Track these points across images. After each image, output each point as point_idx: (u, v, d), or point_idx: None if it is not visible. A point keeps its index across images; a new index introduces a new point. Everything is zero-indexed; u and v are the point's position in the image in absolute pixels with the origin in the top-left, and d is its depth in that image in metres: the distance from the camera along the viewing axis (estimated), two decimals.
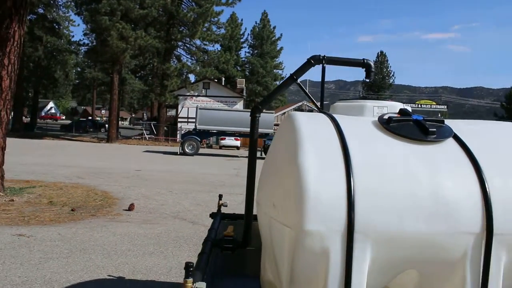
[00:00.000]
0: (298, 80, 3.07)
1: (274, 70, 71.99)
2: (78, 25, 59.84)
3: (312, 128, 2.48)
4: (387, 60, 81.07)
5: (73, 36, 50.16)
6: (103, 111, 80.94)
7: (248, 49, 74.33)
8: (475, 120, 3.18)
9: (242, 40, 73.16)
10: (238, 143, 39.48)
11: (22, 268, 5.41)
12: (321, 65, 3.09)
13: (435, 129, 2.53)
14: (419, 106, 59.98)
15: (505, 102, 64.42)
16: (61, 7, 47.71)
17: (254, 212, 3.04)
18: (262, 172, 2.82)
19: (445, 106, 63.80)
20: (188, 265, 2.12)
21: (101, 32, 37.84)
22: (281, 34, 74.51)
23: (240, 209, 3.56)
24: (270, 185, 2.62)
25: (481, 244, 2.24)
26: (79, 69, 67.07)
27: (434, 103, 62.66)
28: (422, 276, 2.40)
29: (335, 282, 2.26)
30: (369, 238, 2.22)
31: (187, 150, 29.32)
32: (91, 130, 55.72)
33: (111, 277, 5.24)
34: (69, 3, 46.95)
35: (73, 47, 48.63)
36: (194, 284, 2.11)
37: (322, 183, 2.19)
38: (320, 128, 2.52)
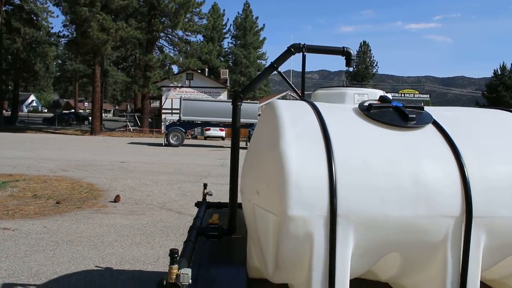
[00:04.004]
0: (279, 69, 3.10)
1: (258, 61, 71.74)
2: (57, 16, 58.93)
3: (293, 115, 2.52)
4: (370, 50, 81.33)
5: (52, 28, 49.17)
6: (86, 103, 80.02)
7: (231, 39, 74.01)
8: (454, 107, 3.26)
9: (224, 30, 72.74)
10: (223, 133, 39.40)
11: (8, 261, 5.40)
12: (301, 53, 3.13)
13: (414, 116, 2.59)
14: (403, 95, 60.41)
15: (486, 91, 65.25)
16: None
17: (239, 200, 3.09)
18: (245, 160, 2.86)
19: (428, 95, 64.31)
20: (173, 252, 2.14)
21: (81, 23, 37.27)
22: (264, 25, 74.19)
23: (226, 198, 3.60)
24: (253, 173, 2.66)
25: (461, 227, 2.32)
26: (59, 61, 66.18)
27: (417, 92, 63.06)
28: (404, 259, 2.48)
29: (320, 266, 2.32)
30: (352, 222, 2.27)
31: (172, 141, 29.20)
32: (74, 123, 55.06)
33: (99, 268, 5.26)
34: None
35: (52, 38, 47.86)
36: (180, 270, 2.13)
37: (303, 169, 2.24)
38: (301, 115, 2.56)
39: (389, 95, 3.04)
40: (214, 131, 38.96)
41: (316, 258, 2.31)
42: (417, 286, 2.54)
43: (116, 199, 9.50)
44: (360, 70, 78.45)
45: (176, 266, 2.13)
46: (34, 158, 17.39)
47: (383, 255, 2.46)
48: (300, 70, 3.30)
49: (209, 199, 4.48)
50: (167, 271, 2.14)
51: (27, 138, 30.45)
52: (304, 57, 3.20)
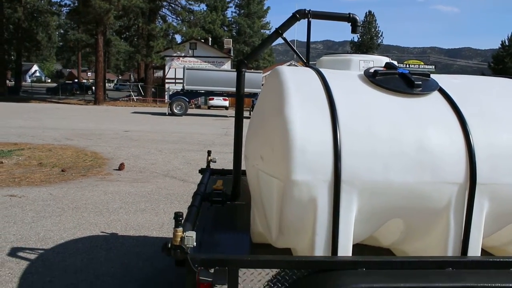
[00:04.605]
0: (284, 35, 3.07)
1: (262, 30, 70.84)
2: None
3: (298, 81, 2.51)
4: (375, 20, 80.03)
5: None
6: (89, 73, 79.68)
7: (235, 9, 72.90)
8: (461, 75, 3.23)
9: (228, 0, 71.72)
10: (226, 103, 39.30)
11: (16, 227, 5.48)
12: (306, 19, 3.09)
13: (420, 82, 2.57)
14: (407, 66, 59.80)
15: (492, 62, 64.47)
16: None
17: (243, 167, 3.10)
18: (250, 126, 2.86)
19: (433, 66, 63.45)
20: (177, 215, 2.15)
21: None
22: None
23: (230, 166, 3.61)
24: (257, 138, 2.67)
25: (464, 193, 2.33)
26: (62, 31, 65.49)
27: (422, 63, 62.22)
28: (407, 224, 2.50)
29: (323, 231, 2.34)
30: (356, 188, 2.29)
31: (175, 111, 29.16)
32: (77, 92, 54.88)
33: (104, 234, 5.34)
34: None
35: (54, 8, 47.18)
36: (184, 233, 2.15)
37: (308, 134, 2.24)
38: (306, 81, 2.55)
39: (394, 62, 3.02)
40: (217, 101, 38.83)
41: (319, 223, 2.33)
42: (418, 252, 2.57)
43: (121, 167, 9.55)
44: (365, 40, 77.45)
45: (180, 229, 2.15)
46: (39, 127, 17.44)
47: (386, 220, 2.49)
48: (305, 39, 3.26)
49: (212, 166, 4.51)
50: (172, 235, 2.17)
51: (31, 108, 30.46)
52: (309, 23, 3.16)
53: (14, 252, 4.68)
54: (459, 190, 2.34)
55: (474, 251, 2.43)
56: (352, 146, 2.26)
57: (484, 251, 2.80)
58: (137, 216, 6.11)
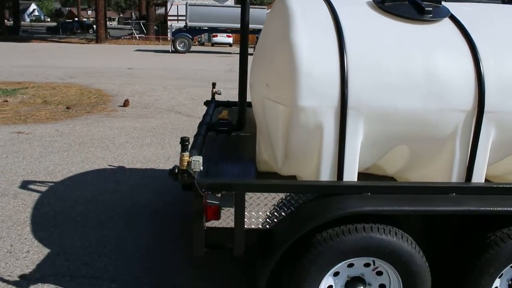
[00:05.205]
0: None
1: None
2: None
3: (304, 6, 2.44)
4: None
5: None
6: (89, 11, 77.92)
7: None
8: (473, 3, 3.12)
9: None
10: (230, 40, 38.57)
11: (25, 162, 5.56)
12: None
13: (431, 9, 2.50)
14: None
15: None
16: None
17: (248, 98, 3.08)
18: (255, 55, 2.81)
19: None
20: (183, 140, 2.15)
21: None
22: None
23: (234, 101, 3.56)
24: (263, 66, 2.63)
25: (471, 121, 2.32)
26: None
27: None
28: (412, 151, 2.51)
29: (329, 156, 2.36)
30: (362, 114, 2.28)
31: (178, 48, 28.74)
32: (78, 31, 53.84)
33: (112, 167, 5.41)
34: None
35: None
36: (191, 158, 2.16)
37: (314, 59, 2.21)
38: (313, 7, 2.48)
39: None
40: (221, 38, 38.09)
41: (325, 149, 2.34)
42: (422, 179, 2.59)
43: (125, 103, 9.52)
44: None
45: (187, 153, 2.15)
46: (41, 66, 17.26)
47: (392, 147, 2.49)
48: None
49: (217, 97, 4.50)
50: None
51: (32, 48, 30.02)
52: None
53: (25, 185, 4.78)
54: (466, 118, 2.33)
55: (479, 178, 2.45)
56: (359, 72, 2.23)
57: (486, 181, 2.83)
58: (143, 150, 6.17)
